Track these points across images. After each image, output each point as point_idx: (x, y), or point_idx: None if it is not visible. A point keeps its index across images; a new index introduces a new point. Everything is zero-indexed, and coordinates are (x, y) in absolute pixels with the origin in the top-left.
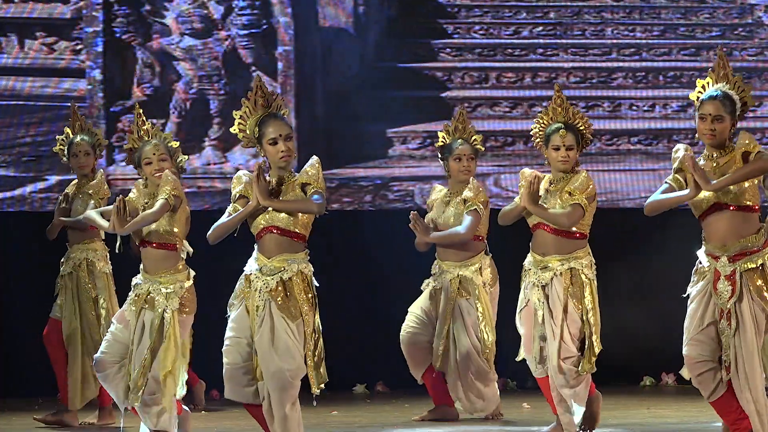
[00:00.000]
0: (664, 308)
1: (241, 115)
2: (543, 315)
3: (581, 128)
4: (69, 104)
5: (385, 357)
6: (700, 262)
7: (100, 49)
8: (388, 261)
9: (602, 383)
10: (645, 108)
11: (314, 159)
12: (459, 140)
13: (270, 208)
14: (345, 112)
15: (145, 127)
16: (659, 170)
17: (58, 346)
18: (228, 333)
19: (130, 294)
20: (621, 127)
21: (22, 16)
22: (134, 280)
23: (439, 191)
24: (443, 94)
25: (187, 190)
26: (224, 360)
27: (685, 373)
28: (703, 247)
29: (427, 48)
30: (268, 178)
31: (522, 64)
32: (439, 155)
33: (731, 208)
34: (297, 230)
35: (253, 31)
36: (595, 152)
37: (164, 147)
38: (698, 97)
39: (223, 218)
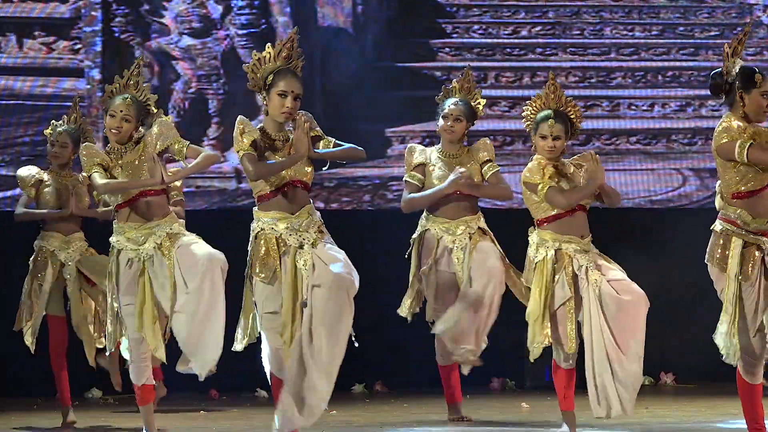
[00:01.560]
0: (663, 308)
1: (259, 58)
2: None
3: (571, 116)
4: (68, 104)
5: (384, 357)
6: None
7: (98, 48)
8: (387, 260)
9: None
10: (644, 107)
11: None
12: (452, 99)
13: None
14: (344, 112)
15: (135, 80)
16: (658, 170)
17: (61, 347)
18: (265, 312)
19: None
20: (620, 126)
21: (21, 15)
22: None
23: (423, 152)
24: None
25: (186, 189)
26: (269, 344)
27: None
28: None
29: (426, 48)
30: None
31: (521, 64)
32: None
33: None
34: (310, 183)
35: (251, 30)
36: (594, 151)
37: (135, 108)
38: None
39: (255, 164)
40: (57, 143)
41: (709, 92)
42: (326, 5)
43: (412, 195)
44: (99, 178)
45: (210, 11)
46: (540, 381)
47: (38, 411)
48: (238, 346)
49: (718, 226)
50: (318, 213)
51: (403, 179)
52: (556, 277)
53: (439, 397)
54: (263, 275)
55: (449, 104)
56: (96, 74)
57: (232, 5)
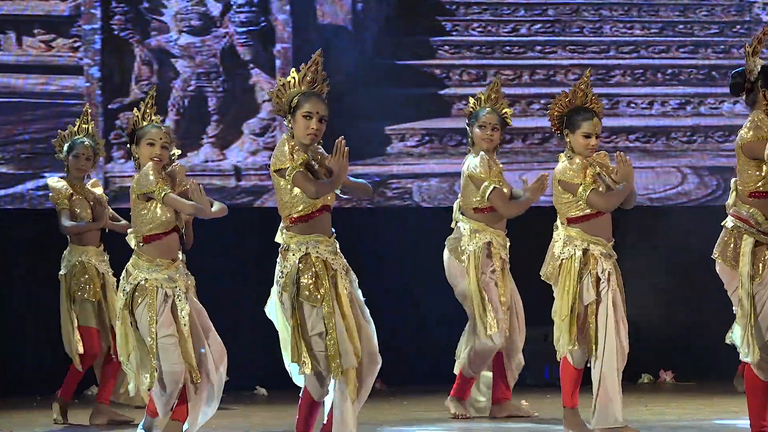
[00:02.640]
0: (663, 306)
1: (284, 83)
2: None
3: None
4: (67, 101)
5: (383, 355)
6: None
7: (98, 46)
8: (387, 258)
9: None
10: (643, 105)
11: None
12: (487, 108)
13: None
14: (343, 110)
15: (151, 112)
16: (658, 167)
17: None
18: (313, 334)
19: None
20: (619, 124)
21: (21, 13)
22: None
23: (487, 161)
24: (442, 92)
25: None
26: (313, 368)
27: None
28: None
29: (426, 45)
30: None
31: (520, 62)
32: (467, 122)
33: None
34: None
35: (251, 28)
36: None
37: (168, 136)
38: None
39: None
40: (82, 156)
41: (708, 89)
42: (326, 3)
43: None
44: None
45: (209, 9)
46: (540, 379)
47: (37, 409)
48: (306, 370)
49: (729, 222)
50: None
51: (491, 187)
52: (583, 278)
53: (438, 395)
54: (313, 299)
55: (485, 113)
56: (95, 72)
57: (232, 3)
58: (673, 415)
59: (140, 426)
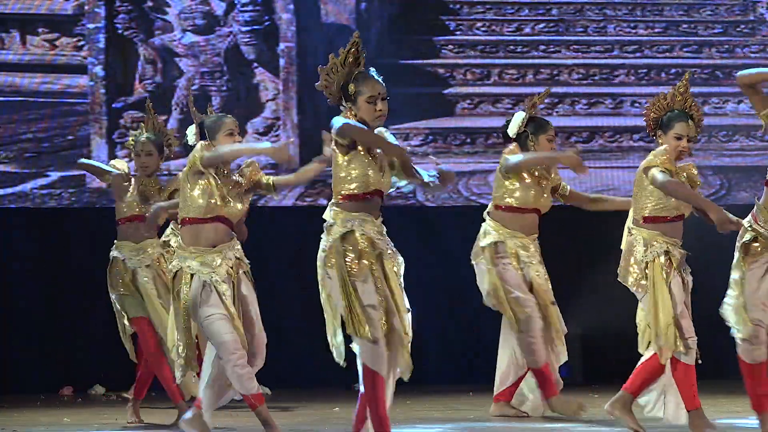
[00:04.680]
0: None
1: (327, 72)
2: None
3: (696, 120)
4: (71, 100)
5: None
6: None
7: (101, 45)
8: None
9: (602, 380)
10: (647, 105)
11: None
12: (550, 123)
13: (378, 175)
14: None
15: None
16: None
17: (155, 345)
18: (366, 305)
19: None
20: (623, 124)
21: (24, 12)
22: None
23: None
24: (445, 91)
25: None
26: (367, 339)
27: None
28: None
29: (429, 45)
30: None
31: (524, 61)
32: (521, 129)
33: None
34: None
35: (255, 27)
36: (597, 149)
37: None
38: None
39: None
40: (142, 153)
41: (712, 89)
42: (329, 2)
43: None
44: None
45: (213, 8)
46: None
47: (41, 407)
48: (363, 333)
49: (745, 221)
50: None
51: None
52: (670, 278)
53: (441, 394)
54: (356, 275)
55: (551, 126)
56: (99, 71)
57: (236, 2)
58: None
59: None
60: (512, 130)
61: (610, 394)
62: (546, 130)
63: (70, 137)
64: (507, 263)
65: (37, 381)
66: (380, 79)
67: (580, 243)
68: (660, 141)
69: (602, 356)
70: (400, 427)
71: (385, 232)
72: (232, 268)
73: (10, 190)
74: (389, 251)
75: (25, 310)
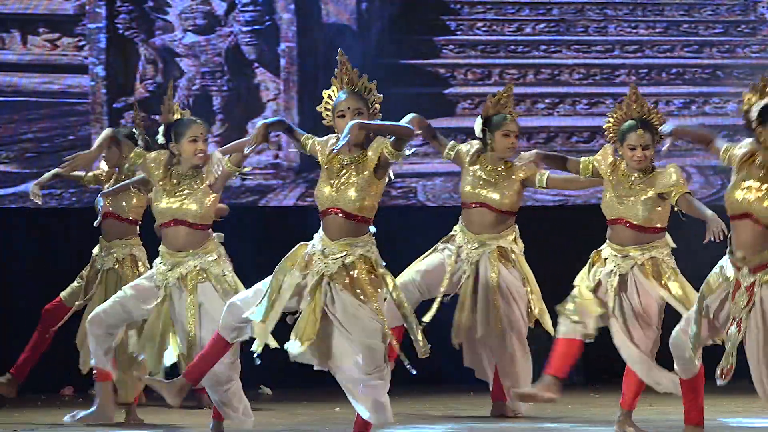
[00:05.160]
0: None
1: (329, 94)
2: None
3: (656, 125)
4: (72, 100)
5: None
6: (723, 269)
7: (102, 45)
8: (391, 258)
9: (602, 380)
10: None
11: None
12: (508, 116)
13: (334, 191)
14: None
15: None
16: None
17: (45, 329)
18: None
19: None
20: None
21: (25, 12)
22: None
23: (473, 152)
24: (446, 91)
25: None
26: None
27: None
28: (727, 257)
29: (430, 45)
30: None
31: (525, 61)
32: (481, 126)
33: (759, 224)
34: (363, 214)
35: (255, 27)
36: (598, 149)
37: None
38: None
39: None
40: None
41: (712, 88)
42: (330, 2)
43: None
44: None
45: (214, 8)
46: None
47: (42, 408)
48: None
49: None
50: (371, 250)
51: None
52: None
53: (441, 394)
54: (286, 266)
55: (508, 121)
56: (100, 71)
57: (236, 2)
58: (677, 414)
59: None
60: (476, 130)
61: (610, 394)
62: (500, 126)
63: (70, 137)
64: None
65: (38, 381)
66: (359, 97)
67: (580, 243)
68: (619, 153)
69: (602, 356)
70: (401, 427)
71: (337, 255)
72: (186, 276)
73: (10, 190)
74: (323, 270)
75: (25, 310)
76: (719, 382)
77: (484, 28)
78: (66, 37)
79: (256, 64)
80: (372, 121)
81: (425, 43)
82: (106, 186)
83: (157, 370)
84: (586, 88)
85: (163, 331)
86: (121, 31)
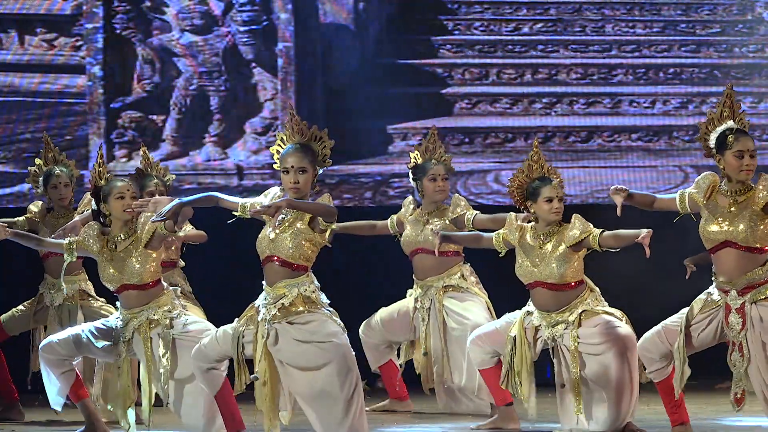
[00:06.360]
0: (664, 307)
1: (280, 141)
2: None
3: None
4: (68, 100)
5: None
6: (710, 295)
7: (100, 45)
8: (389, 258)
9: None
10: (645, 104)
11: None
12: (433, 161)
13: (272, 238)
14: (345, 109)
15: (104, 170)
16: (659, 167)
17: None
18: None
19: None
20: (621, 123)
21: (22, 12)
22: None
23: (410, 207)
24: (443, 91)
25: (187, 186)
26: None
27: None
28: (714, 282)
29: (428, 44)
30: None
31: (522, 61)
32: (411, 176)
33: (740, 247)
34: (299, 262)
35: (253, 27)
36: (595, 149)
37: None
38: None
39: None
40: (60, 185)
41: (710, 88)
42: (327, 2)
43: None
44: None
45: (212, 8)
46: (541, 378)
47: (41, 408)
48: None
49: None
50: (309, 287)
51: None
52: None
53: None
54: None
55: (432, 166)
56: (97, 71)
57: (233, 2)
58: None
59: None
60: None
61: None
62: (426, 172)
63: (68, 137)
64: None
65: (38, 381)
66: (300, 153)
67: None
68: (532, 210)
69: None
70: (401, 427)
71: (276, 298)
72: (139, 327)
73: (8, 190)
74: (265, 316)
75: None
76: (735, 408)
77: (481, 28)
78: (63, 37)
79: (253, 64)
80: (302, 201)
81: (423, 42)
82: (42, 226)
83: (128, 425)
84: (583, 88)
85: (126, 388)
86: (118, 31)
